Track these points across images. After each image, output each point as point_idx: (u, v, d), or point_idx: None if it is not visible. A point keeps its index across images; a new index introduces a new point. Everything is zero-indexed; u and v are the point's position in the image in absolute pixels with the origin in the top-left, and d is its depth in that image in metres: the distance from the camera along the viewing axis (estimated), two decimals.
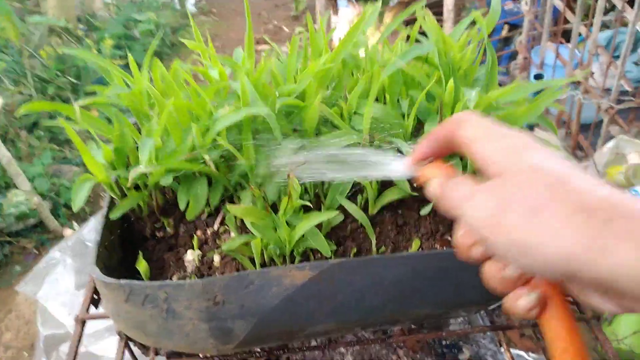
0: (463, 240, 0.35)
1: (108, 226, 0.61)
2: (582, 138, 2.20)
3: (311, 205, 0.57)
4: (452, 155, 0.59)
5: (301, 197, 0.61)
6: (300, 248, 0.58)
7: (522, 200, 0.30)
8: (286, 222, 0.56)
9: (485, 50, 0.63)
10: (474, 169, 0.54)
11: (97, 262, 0.54)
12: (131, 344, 0.82)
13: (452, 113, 0.59)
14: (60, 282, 1.61)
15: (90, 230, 1.69)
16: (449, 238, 0.63)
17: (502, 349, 0.90)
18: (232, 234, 0.63)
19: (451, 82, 0.56)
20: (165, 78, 0.63)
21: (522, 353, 1.65)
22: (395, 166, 0.41)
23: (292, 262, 0.59)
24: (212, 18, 4.47)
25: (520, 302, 0.33)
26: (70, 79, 2.60)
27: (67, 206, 2.25)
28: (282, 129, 0.65)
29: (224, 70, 0.64)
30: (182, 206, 0.62)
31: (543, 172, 0.31)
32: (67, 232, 2.14)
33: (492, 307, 0.63)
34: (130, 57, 0.64)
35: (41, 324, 1.56)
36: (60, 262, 1.64)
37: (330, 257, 0.60)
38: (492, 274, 0.34)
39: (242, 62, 0.64)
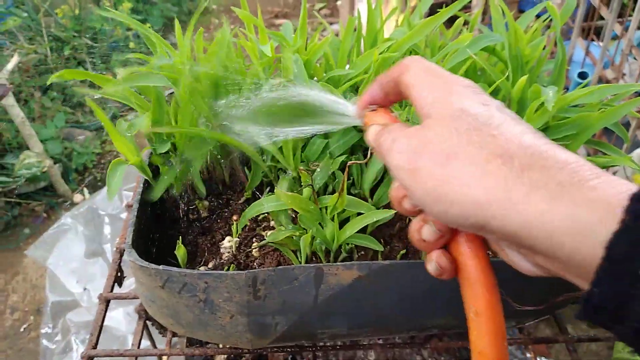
0: (395, 193, 0.34)
1: (143, 207, 0.57)
2: (605, 140, 2.15)
3: (364, 202, 0.53)
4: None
5: (348, 190, 0.58)
6: (347, 245, 0.54)
7: (438, 145, 0.28)
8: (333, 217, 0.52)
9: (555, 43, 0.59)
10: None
11: (133, 244, 0.51)
12: (149, 324, 0.79)
13: (517, 110, 0.55)
14: (70, 249, 1.59)
15: (103, 199, 1.66)
16: None
17: (529, 356, 0.87)
18: (272, 222, 0.59)
19: (524, 78, 0.52)
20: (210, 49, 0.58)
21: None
22: (345, 112, 0.39)
23: (337, 257, 0.56)
24: None
25: (424, 229, 0.32)
26: (86, 40, 2.54)
27: (78, 171, 2.22)
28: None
29: (273, 45, 0.60)
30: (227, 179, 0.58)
31: (467, 116, 0.29)
32: (77, 197, 2.12)
33: (532, 322, 0.59)
34: (178, 26, 0.59)
35: (49, 290, 1.55)
36: (71, 228, 1.62)
37: (377, 256, 0.57)
38: (413, 231, 0.33)
39: (294, 39, 0.60)
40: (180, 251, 0.53)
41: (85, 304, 1.53)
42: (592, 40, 2.42)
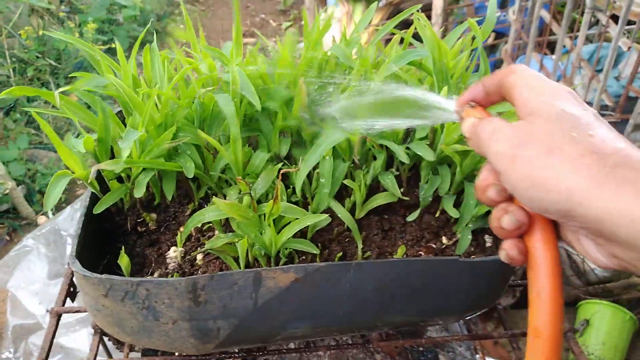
0: (482, 182, 0.37)
1: (89, 219, 0.59)
2: None
3: (299, 208, 0.56)
4: None
5: (288, 197, 0.61)
6: (285, 249, 0.57)
7: (542, 139, 0.32)
8: (273, 221, 0.55)
9: (478, 57, 0.63)
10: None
11: (77, 255, 0.52)
12: (105, 339, 0.80)
13: None
14: (32, 270, 1.57)
15: (66, 219, 1.65)
16: (434, 245, 0.63)
17: (478, 357, 0.91)
18: (217, 232, 0.62)
19: (445, 89, 0.56)
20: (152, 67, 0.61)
21: None
22: (443, 107, 0.43)
23: (277, 263, 0.58)
24: (197, 7, 4.42)
25: (504, 218, 0.35)
26: (50, 61, 2.53)
27: (42, 192, 2.20)
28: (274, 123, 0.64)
29: (213, 63, 0.63)
30: (168, 197, 0.60)
31: (568, 117, 0.33)
32: (41, 219, 2.09)
33: (468, 317, 0.63)
34: (118, 45, 0.62)
35: (10, 313, 1.52)
36: (33, 250, 1.60)
37: (316, 260, 0.59)
38: (494, 219, 0.36)
39: (231, 55, 0.63)
40: (124, 260, 0.55)
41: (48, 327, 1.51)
42: (546, 54, 2.52)
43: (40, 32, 2.62)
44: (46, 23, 2.71)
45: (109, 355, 0.84)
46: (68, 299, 0.72)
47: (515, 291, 1.60)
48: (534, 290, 0.34)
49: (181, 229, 0.64)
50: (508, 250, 0.36)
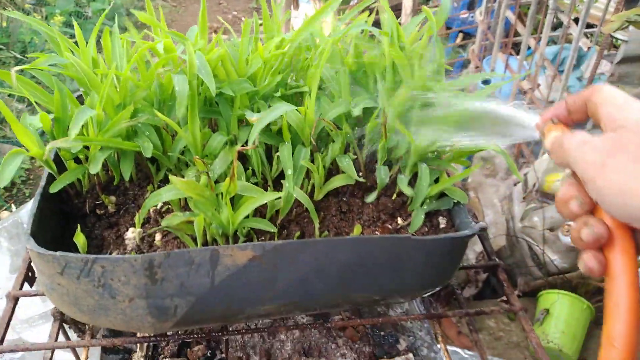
0: (564, 194, 0.39)
1: (45, 199, 0.59)
2: (524, 146, 2.30)
3: (257, 187, 0.57)
4: None
5: (247, 179, 0.62)
6: (243, 229, 0.58)
7: (631, 149, 0.33)
8: (231, 201, 0.56)
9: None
10: None
11: (32, 232, 0.52)
12: (66, 327, 0.79)
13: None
14: None
15: (28, 212, 1.62)
16: (390, 226, 0.65)
17: (439, 344, 0.93)
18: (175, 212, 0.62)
19: (395, 67, 0.57)
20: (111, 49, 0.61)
21: (458, 350, 1.70)
22: (525, 124, 0.44)
23: (236, 242, 0.59)
24: (169, 4, 4.37)
25: (584, 230, 0.36)
26: (15, 53, 2.48)
27: (5, 187, 2.15)
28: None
29: (171, 43, 0.63)
30: (126, 177, 0.61)
31: None
32: (4, 214, 2.05)
33: (426, 294, 0.65)
34: (76, 25, 0.62)
35: None
36: None
37: (274, 239, 0.61)
38: (574, 231, 0.38)
39: (195, 40, 0.63)
40: (80, 239, 0.55)
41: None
42: (511, 54, 2.59)
43: (4, 24, 2.56)
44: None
45: (69, 339, 0.83)
46: (26, 284, 0.71)
47: (478, 282, 1.65)
48: (612, 300, 0.35)
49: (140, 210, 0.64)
50: (587, 262, 0.37)
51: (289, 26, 2.56)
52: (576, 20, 1.89)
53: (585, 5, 1.75)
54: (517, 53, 2.41)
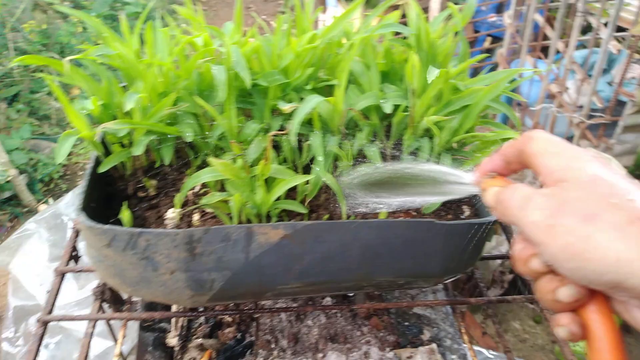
0: (521, 253, 0.35)
1: (93, 180, 0.64)
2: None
3: (289, 170, 0.61)
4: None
5: (280, 165, 0.66)
6: (276, 210, 0.62)
7: (579, 206, 0.31)
8: (265, 184, 0.60)
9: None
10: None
11: (82, 208, 0.57)
12: (105, 306, 0.84)
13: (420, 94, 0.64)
14: (34, 253, 1.61)
15: (67, 204, 1.69)
16: (414, 212, 0.67)
17: (462, 339, 0.95)
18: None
19: (415, 57, 0.60)
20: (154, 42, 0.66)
21: (482, 350, 1.71)
22: (459, 181, 0.43)
23: (268, 222, 0.63)
24: (200, 7, 4.49)
25: (562, 291, 0.33)
26: (53, 54, 2.59)
27: (43, 181, 2.24)
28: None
29: (209, 37, 0.67)
30: (166, 161, 0.65)
31: (602, 182, 0.32)
32: (42, 207, 2.14)
33: (448, 280, 0.67)
34: (122, 18, 0.67)
35: (12, 294, 1.56)
36: (35, 233, 1.64)
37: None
38: (544, 292, 0.34)
39: (231, 34, 0.68)
40: (125, 214, 0.59)
41: None
42: (539, 57, 2.58)
43: (44, 26, 2.67)
44: (50, 17, 2.76)
45: (108, 322, 0.88)
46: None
47: (504, 282, 1.65)
48: None
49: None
50: (568, 326, 0.33)
51: (318, 27, 2.60)
52: (606, 24, 1.88)
53: (615, 7, 1.75)
54: (546, 57, 2.40)
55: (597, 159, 0.34)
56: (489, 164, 0.41)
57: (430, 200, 0.47)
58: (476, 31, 3.11)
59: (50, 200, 2.18)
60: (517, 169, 0.40)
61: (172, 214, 0.65)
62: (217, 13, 4.39)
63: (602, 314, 0.33)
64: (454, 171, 0.44)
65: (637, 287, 0.29)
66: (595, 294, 0.33)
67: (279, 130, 0.70)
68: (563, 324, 0.34)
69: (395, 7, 0.71)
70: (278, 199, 0.60)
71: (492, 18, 3.03)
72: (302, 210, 0.61)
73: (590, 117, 2.06)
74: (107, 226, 0.55)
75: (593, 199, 0.31)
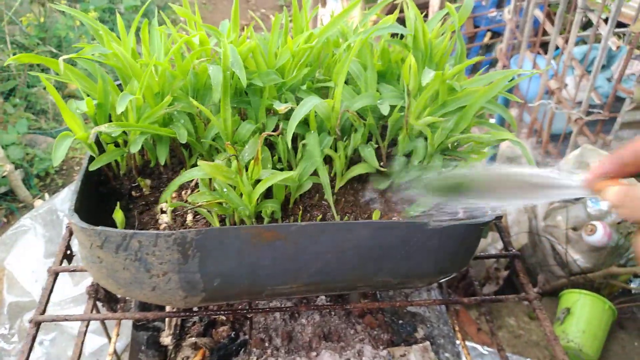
0: None
1: (87, 180, 0.63)
2: (551, 146, 2.29)
3: (279, 171, 0.60)
4: None
5: (274, 165, 0.65)
6: (268, 209, 0.61)
7: None
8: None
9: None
10: None
11: (75, 209, 0.57)
12: (98, 305, 0.84)
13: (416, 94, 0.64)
14: (29, 249, 1.61)
15: (63, 200, 1.69)
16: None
17: (456, 336, 0.95)
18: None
19: (412, 59, 0.60)
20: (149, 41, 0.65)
21: (477, 346, 1.71)
22: (567, 185, 0.43)
23: (261, 223, 0.63)
24: (199, 1, 4.46)
25: None
26: (51, 48, 2.57)
27: (39, 177, 2.24)
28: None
29: (205, 36, 0.67)
30: (162, 161, 0.64)
31: None
32: (38, 202, 2.13)
33: (442, 280, 0.67)
34: (119, 17, 0.66)
35: (7, 290, 1.56)
36: (30, 229, 1.64)
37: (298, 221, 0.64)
38: None
39: (228, 33, 0.67)
40: (118, 215, 0.59)
41: None
42: (539, 53, 2.57)
43: (42, 20, 2.65)
44: (47, 11, 2.74)
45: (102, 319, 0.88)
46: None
47: (499, 279, 1.65)
48: None
49: (174, 193, 0.68)
50: None
51: (317, 23, 2.59)
52: (606, 20, 1.88)
53: (615, 3, 1.74)
54: (546, 52, 2.40)
55: None
56: (602, 167, 0.40)
57: (533, 202, 0.47)
58: (476, 26, 3.10)
59: (46, 195, 2.17)
60: (633, 171, 0.39)
61: (164, 215, 0.65)
62: (215, 6, 4.36)
63: None
64: (556, 175, 0.43)
65: None
66: None
67: (274, 130, 0.69)
68: None
69: (395, 7, 0.70)
70: (266, 199, 0.60)
71: (492, 13, 3.02)
72: (278, 207, 0.60)
73: (588, 113, 2.05)
74: (99, 227, 0.54)
75: None
